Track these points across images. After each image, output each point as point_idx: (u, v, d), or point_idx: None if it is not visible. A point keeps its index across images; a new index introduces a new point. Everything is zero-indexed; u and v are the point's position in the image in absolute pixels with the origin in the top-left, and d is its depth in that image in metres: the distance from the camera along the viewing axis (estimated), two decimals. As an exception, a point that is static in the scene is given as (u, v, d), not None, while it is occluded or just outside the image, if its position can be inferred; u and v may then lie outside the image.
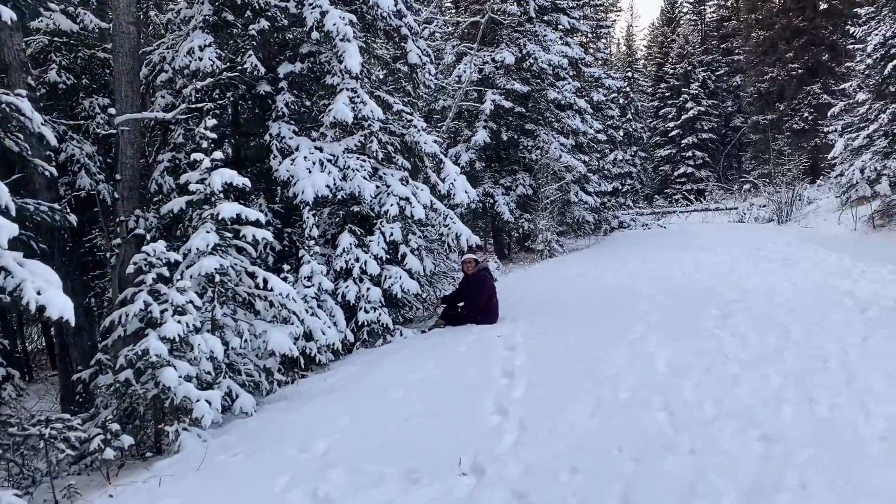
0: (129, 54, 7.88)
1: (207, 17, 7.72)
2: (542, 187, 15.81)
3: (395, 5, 8.38)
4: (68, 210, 8.08)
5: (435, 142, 9.34)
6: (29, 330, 13.32)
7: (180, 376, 4.73)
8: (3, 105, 4.78)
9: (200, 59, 7.55)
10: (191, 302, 4.97)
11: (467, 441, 4.03)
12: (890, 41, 15.34)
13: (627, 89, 28.31)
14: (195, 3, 8.05)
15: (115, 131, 7.44)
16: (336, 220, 8.44)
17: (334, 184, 7.54)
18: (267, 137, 7.92)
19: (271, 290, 5.67)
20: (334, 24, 7.52)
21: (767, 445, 3.66)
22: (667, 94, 39.08)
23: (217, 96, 8.16)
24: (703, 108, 37.45)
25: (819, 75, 29.07)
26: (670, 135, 37.95)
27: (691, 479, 3.33)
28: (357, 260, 7.61)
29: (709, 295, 8.28)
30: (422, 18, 13.48)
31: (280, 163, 7.64)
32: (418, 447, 4.04)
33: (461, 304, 8.09)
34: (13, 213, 3.84)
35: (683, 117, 37.34)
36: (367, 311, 7.52)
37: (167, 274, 4.93)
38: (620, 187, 26.14)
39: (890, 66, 15.00)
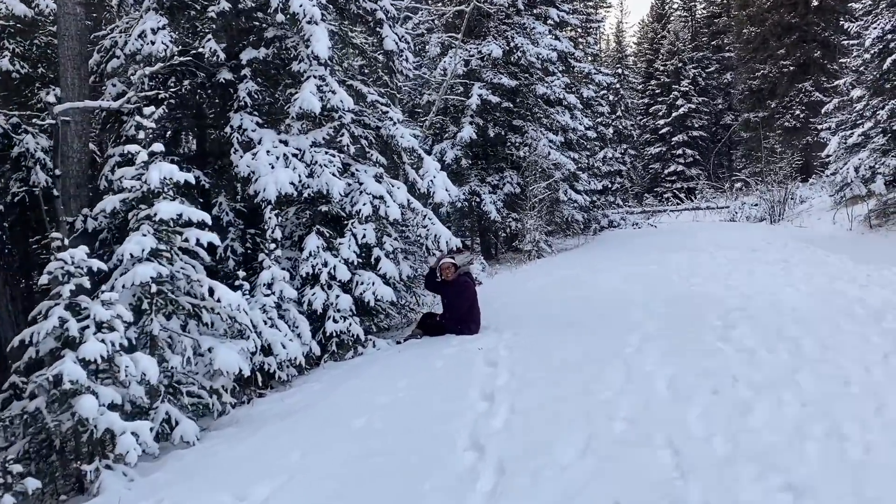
0: (76, 38, 7.20)
1: (162, -2, 7.02)
2: (531, 185, 15.18)
3: (370, -13, 7.71)
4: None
5: (414, 135, 8.67)
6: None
7: (102, 404, 4.04)
8: None
9: (153, 43, 6.83)
10: (118, 317, 4.27)
11: (433, 489, 3.36)
12: (889, 35, 14.84)
13: (617, 86, 27.74)
14: (149, -17, 7.32)
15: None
16: (303, 220, 7.75)
17: (300, 181, 6.86)
18: (228, 130, 7.23)
19: (218, 300, 4.98)
20: (301, 6, 6.84)
21: (796, 499, 3.02)
22: (657, 92, 38.52)
23: (173, 84, 7.46)
24: (693, 106, 36.93)
25: (811, 72, 28.66)
26: (660, 132, 37.37)
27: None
28: (325, 264, 6.93)
29: (708, 302, 7.68)
30: (402, 5, 12.75)
31: (241, 157, 6.96)
32: (374, 497, 3.38)
33: (439, 314, 7.46)
34: None
35: (674, 115, 36.80)
36: (335, 321, 6.84)
37: (87, 285, 4.23)
38: (610, 185, 25.67)
39: (889, 60, 14.51)
